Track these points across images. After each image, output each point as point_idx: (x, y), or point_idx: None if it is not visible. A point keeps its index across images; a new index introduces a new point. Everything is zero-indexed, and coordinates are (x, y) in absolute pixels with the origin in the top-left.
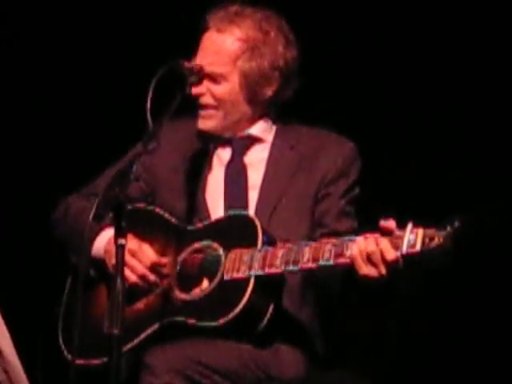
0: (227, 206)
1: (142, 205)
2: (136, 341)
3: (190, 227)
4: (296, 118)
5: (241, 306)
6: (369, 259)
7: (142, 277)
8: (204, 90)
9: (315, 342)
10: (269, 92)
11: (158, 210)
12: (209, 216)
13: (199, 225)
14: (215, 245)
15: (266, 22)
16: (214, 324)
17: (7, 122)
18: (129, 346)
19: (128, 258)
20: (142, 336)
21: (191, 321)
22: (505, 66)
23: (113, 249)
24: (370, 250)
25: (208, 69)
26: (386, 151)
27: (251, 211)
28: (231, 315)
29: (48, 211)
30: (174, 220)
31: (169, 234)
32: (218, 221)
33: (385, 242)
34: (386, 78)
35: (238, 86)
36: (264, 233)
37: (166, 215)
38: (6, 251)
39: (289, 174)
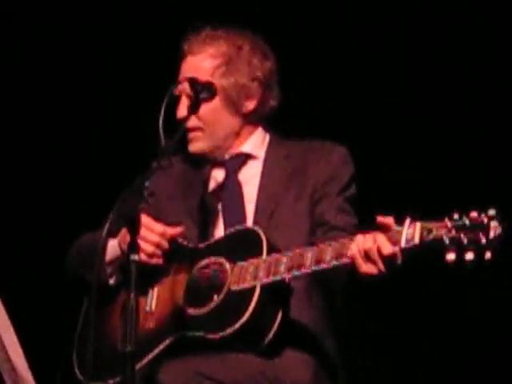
0: (226, 223)
1: None
2: (150, 356)
3: (195, 246)
4: (290, 126)
5: (247, 314)
6: (367, 256)
7: (157, 245)
8: (186, 114)
9: (324, 343)
10: (251, 104)
11: None
12: (212, 235)
13: (204, 243)
14: (221, 259)
15: (237, 38)
16: (221, 335)
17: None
18: (144, 361)
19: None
20: (156, 351)
21: (200, 334)
22: (505, 66)
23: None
24: (368, 247)
25: (188, 91)
26: (383, 150)
27: (249, 224)
28: (238, 325)
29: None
30: (180, 241)
31: (176, 255)
32: (223, 237)
33: (381, 238)
34: (384, 78)
35: (220, 103)
36: (269, 242)
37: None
38: (23, 271)
39: (283, 183)
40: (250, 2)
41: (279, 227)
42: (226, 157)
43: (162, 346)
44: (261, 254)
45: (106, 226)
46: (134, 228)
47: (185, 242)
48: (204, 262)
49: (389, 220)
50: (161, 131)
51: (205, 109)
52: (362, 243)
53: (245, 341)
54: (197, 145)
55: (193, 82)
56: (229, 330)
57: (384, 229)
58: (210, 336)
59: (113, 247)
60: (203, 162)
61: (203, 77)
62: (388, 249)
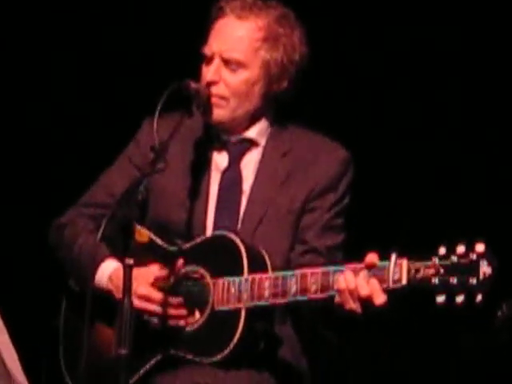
0: (217, 216)
1: None
2: (142, 371)
3: (175, 249)
4: (293, 120)
5: (235, 340)
6: (351, 294)
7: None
8: (217, 79)
9: (300, 362)
10: (282, 87)
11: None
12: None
13: (184, 246)
14: (202, 270)
15: (284, 16)
16: (211, 360)
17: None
18: (135, 377)
19: (141, 304)
20: (147, 366)
21: (189, 356)
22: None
23: (120, 283)
24: (352, 286)
25: (227, 55)
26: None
27: (240, 219)
28: (227, 350)
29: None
30: (159, 241)
31: (155, 257)
32: (204, 242)
33: (361, 278)
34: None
35: (257, 77)
36: (249, 258)
37: (152, 236)
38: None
39: (278, 182)
40: None
41: (265, 235)
42: (232, 139)
43: (149, 365)
44: (242, 271)
45: (101, 231)
46: (128, 233)
47: (163, 244)
48: (183, 270)
49: (374, 259)
50: (155, 133)
51: (239, 78)
52: (349, 279)
53: (235, 358)
54: (218, 112)
55: (186, 87)
56: (218, 356)
57: (370, 267)
58: (197, 359)
59: (99, 282)
60: (205, 141)
61: (247, 45)
62: (365, 290)
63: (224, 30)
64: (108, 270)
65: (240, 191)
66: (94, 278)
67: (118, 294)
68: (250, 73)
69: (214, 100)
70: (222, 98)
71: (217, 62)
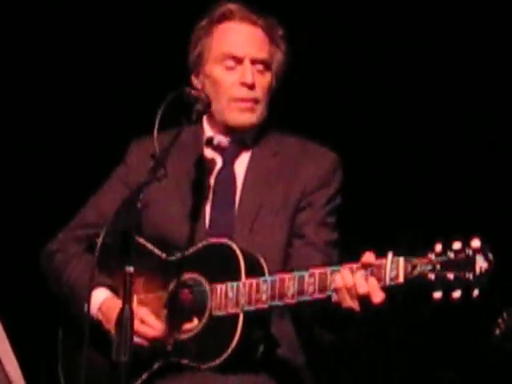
0: (213, 216)
1: None
2: (142, 378)
3: (172, 258)
4: (281, 125)
5: (234, 344)
6: (349, 292)
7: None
8: (255, 81)
9: (297, 359)
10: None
11: (139, 239)
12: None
13: (181, 254)
14: (199, 278)
15: (275, 24)
16: (210, 365)
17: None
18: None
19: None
20: (148, 373)
21: (189, 362)
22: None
23: (109, 314)
24: (350, 284)
25: (260, 56)
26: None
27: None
28: (225, 355)
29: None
30: (156, 251)
31: (152, 266)
32: (200, 248)
33: (359, 276)
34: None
35: (274, 78)
36: (246, 263)
37: (149, 246)
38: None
39: (269, 181)
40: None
41: (261, 233)
42: (226, 143)
43: (149, 372)
44: (239, 276)
45: (100, 240)
46: (128, 241)
47: (159, 251)
48: (182, 277)
49: (370, 258)
50: (155, 141)
51: (267, 80)
52: (346, 278)
53: (234, 364)
54: (253, 117)
55: (187, 94)
56: (216, 361)
57: (367, 266)
58: (196, 365)
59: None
60: (197, 144)
61: (268, 46)
62: (363, 288)
63: (244, 33)
64: (98, 301)
65: (235, 190)
66: (88, 306)
67: (108, 325)
68: (272, 74)
69: (246, 104)
70: (257, 101)
71: (249, 64)
